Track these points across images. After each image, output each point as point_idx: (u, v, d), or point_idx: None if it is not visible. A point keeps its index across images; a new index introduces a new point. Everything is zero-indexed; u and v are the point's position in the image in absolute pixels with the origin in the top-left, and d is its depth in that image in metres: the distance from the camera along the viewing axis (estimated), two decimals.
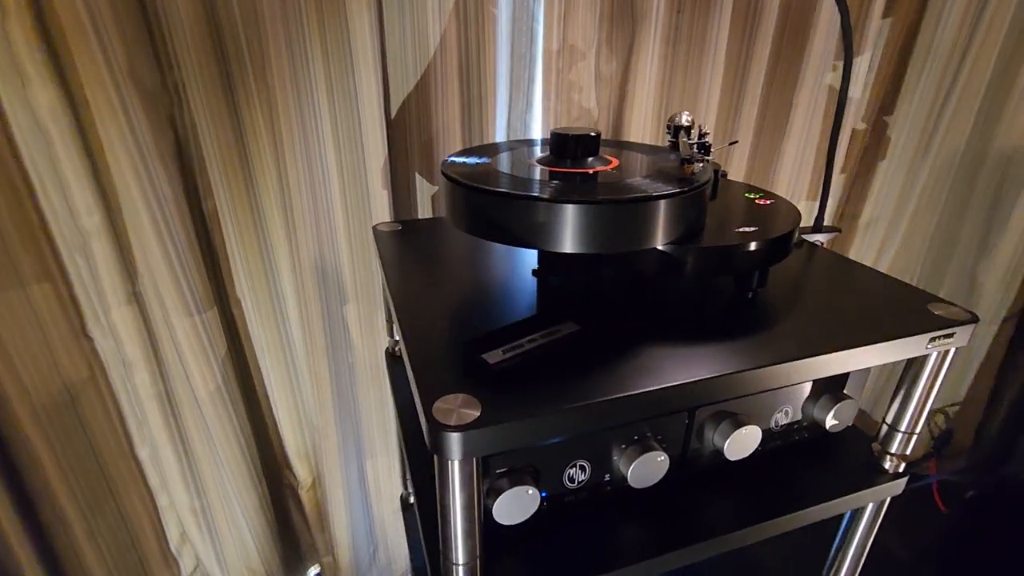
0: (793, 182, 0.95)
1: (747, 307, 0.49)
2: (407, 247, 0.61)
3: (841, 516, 0.59)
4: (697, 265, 0.45)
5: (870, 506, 0.56)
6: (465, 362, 0.39)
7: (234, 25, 0.62)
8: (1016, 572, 1.06)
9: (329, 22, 0.64)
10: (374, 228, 0.65)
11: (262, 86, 0.64)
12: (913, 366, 0.50)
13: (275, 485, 0.92)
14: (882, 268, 1.16)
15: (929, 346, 0.45)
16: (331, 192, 0.73)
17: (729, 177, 0.92)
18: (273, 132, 0.67)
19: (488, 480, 0.43)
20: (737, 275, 0.50)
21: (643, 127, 0.82)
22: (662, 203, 0.41)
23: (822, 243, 0.64)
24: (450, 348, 0.41)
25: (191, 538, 0.86)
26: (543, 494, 0.46)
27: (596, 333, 0.44)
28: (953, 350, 0.48)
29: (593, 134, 0.48)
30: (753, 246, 0.45)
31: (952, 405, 1.34)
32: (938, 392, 0.51)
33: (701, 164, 0.44)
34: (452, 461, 0.34)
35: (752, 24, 0.82)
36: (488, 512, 0.42)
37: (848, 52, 0.56)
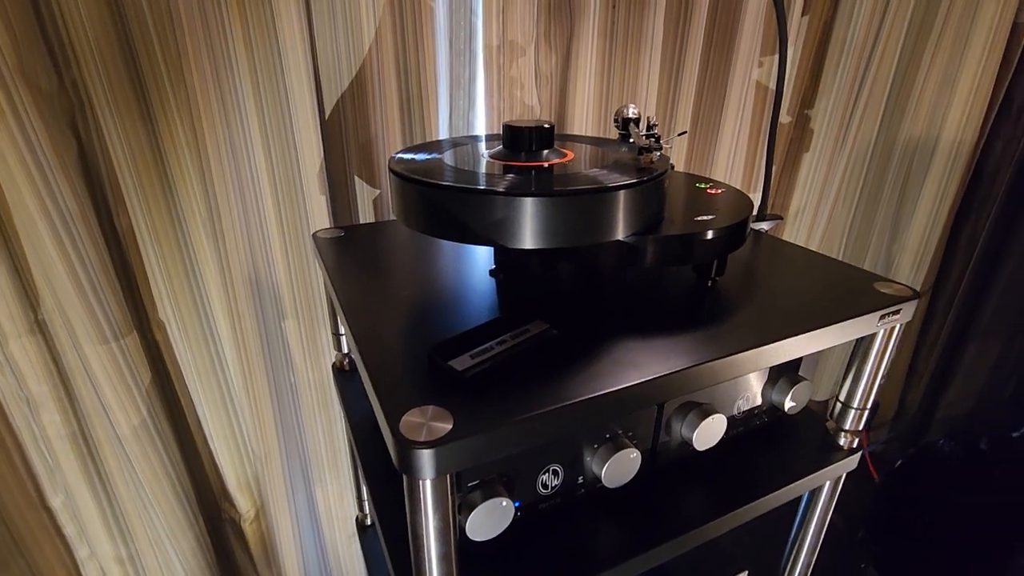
0: (729, 173, 0.98)
1: (708, 296, 0.49)
2: (352, 254, 0.57)
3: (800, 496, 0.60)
4: (660, 255, 0.45)
5: (827, 483, 0.58)
6: (431, 371, 0.36)
7: (143, 18, 0.56)
8: (940, 533, 1.14)
9: (253, 14, 0.59)
10: (314, 236, 0.60)
11: (179, 87, 0.58)
12: (863, 344, 0.51)
13: (214, 521, 0.85)
14: None
15: (879, 323, 0.46)
16: (263, 200, 0.68)
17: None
18: (195, 138, 0.61)
19: (460, 495, 0.40)
20: (698, 264, 0.50)
21: (585, 122, 0.82)
22: (626, 193, 0.39)
23: (766, 230, 0.66)
24: (411, 357, 0.38)
25: None
26: (516, 504, 0.44)
27: (565, 330, 0.42)
28: (899, 326, 0.50)
29: (547, 126, 0.46)
30: (713, 234, 0.45)
31: None
32: (886, 367, 0.53)
33: (659, 153, 0.44)
34: (424, 481, 0.31)
35: (685, 19, 0.83)
36: (461, 529, 0.39)
37: (783, 46, 0.57)
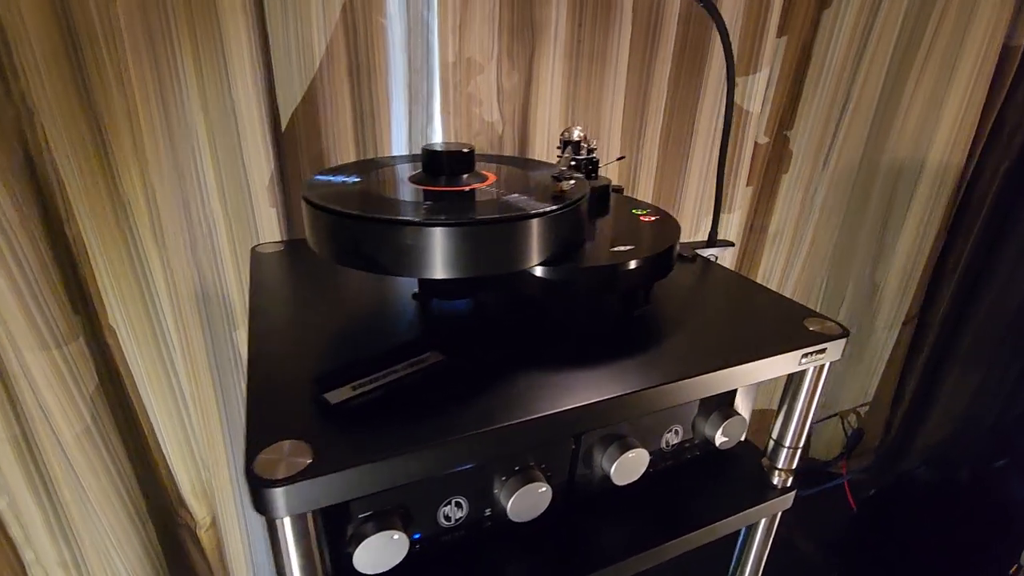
0: (701, 196, 0.97)
1: (632, 327, 0.48)
2: (287, 269, 0.57)
3: (737, 532, 0.59)
4: (573, 286, 0.44)
5: (763, 521, 0.56)
6: (313, 402, 0.35)
7: (92, 31, 0.56)
8: (916, 564, 1.11)
9: (201, 31, 0.60)
10: (253, 249, 0.60)
11: (122, 100, 0.59)
12: (793, 381, 0.50)
13: (169, 527, 0.85)
14: (791, 278, 1.20)
15: (803, 362, 0.45)
16: (212, 212, 0.68)
17: (638, 191, 0.93)
18: (143, 150, 0.61)
19: (352, 525, 0.39)
20: (619, 294, 0.49)
21: (548, 140, 0.81)
22: (524, 224, 0.39)
23: (715, 257, 0.65)
24: (297, 386, 0.37)
25: None
26: (416, 536, 0.43)
27: (467, 362, 0.41)
28: (828, 364, 0.48)
29: (466, 150, 0.46)
30: (630, 264, 0.44)
31: (863, 405, 1.40)
32: (817, 405, 0.51)
33: (573, 181, 0.43)
34: (280, 520, 0.31)
35: (653, 37, 0.82)
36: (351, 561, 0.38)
37: (730, 70, 0.56)
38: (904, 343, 1.28)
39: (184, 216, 0.65)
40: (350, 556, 0.38)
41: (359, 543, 0.38)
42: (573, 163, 0.57)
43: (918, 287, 1.23)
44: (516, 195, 0.43)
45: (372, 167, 0.48)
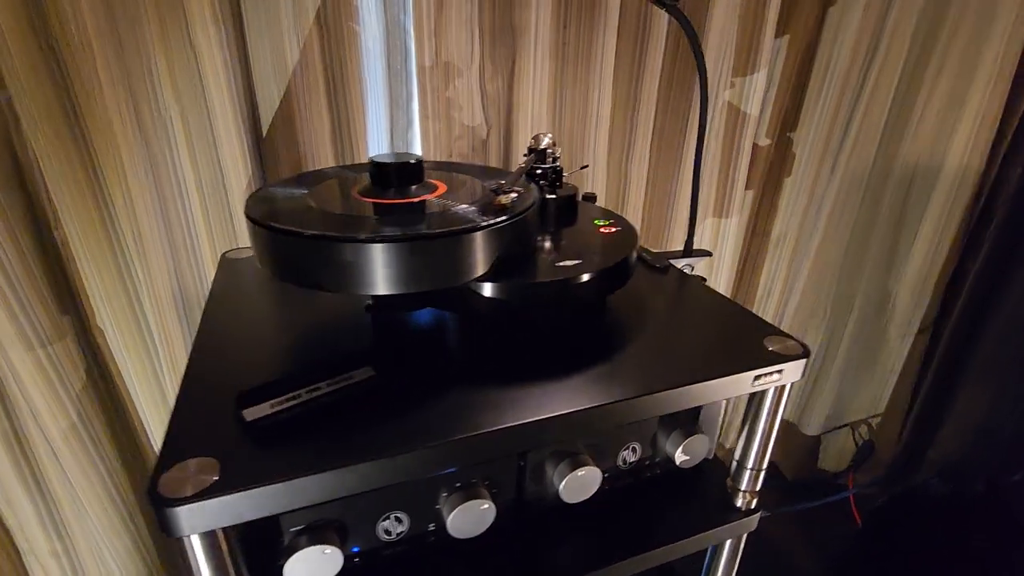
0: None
1: (582, 342, 0.47)
2: (250, 278, 0.57)
3: (704, 553, 0.57)
4: (514, 302, 0.43)
5: (728, 542, 0.55)
6: (233, 420, 0.35)
7: (70, 39, 0.58)
8: None
9: (173, 37, 0.60)
10: (223, 255, 0.61)
11: (100, 108, 0.60)
12: (754, 401, 0.48)
13: None
14: (797, 284, 1.16)
15: (755, 384, 0.43)
16: (193, 217, 0.69)
17: (629, 196, 0.91)
18: (114, 156, 0.62)
19: (284, 539, 0.39)
20: (565, 310, 0.48)
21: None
22: (453, 239, 0.38)
23: (692, 267, 0.63)
24: (222, 403, 0.37)
25: None
26: (355, 549, 0.43)
27: (403, 378, 0.41)
28: (789, 385, 0.46)
29: (413, 161, 0.45)
30: (575, 280, 0.43)
31: (875, 416, 1.35)
32: (779, 426, 0.49)
33: (513, 194, 0.42)
34: (187, 538, 0.31)
35: (642, 39, 0.80)
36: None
37: (702, 76, 0.54)
38: (918, 353, 1.23)
39: (162, 221, 0.66)
40: (281, 569, 0.38)
41: (290, 556, 0.38)
42: (539, 171, 0.56)
43: (933, 296, 1.17)
44: (462, 207, 0.43)
45: (322, 178, 0.48)
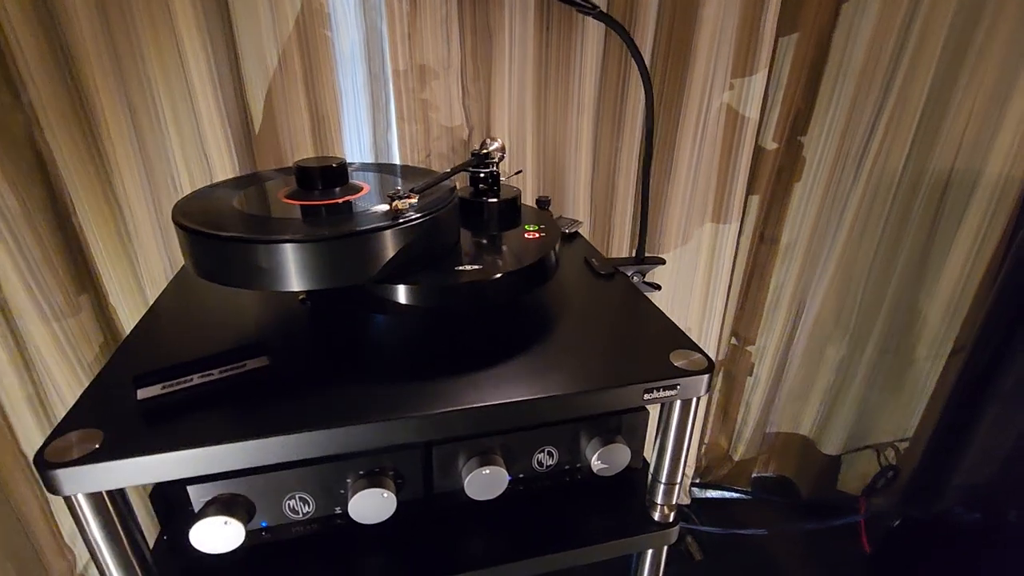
0: (688, 202, 0.92)
1: (490, 344, 0.48)
2: None
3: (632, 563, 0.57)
4: (415, 303, 0.45)
5: (649, 553, 0.54)
6: (128, 398, 0.39)
7: (70, 46, 0.65)
8: None
9: (164, 42, 0.66)
10: None
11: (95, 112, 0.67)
12: (663, 415, 0.47)
13: None
14: (817, 296, 1.10)
15: (647, 397, 0.43)
16: None
17: (617, 197, 0.90)
18: (100, 154, 0.69)
19: (192, 508, 0.44)
20: (468, 312, 0.49)
21: (515, 145, 0.81)
22: (336, 243, 0.40)
23: (642, 275, 0.62)
24: (125, 382, 0.41)
25: None
26: (263, 524, 0.47)
27: (298, 368, 0.44)
28: (695, 400, 0.45)
29: (335, 165, 0.48)
30: (471, 284, 0.44)
31: (902, 441, 1.26)
32: (690, 440, 0.48)
33: (411, 200, 0.43)
34: (74, 497, 0.35)
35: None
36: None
37: (648, 94, 0.53)
38: (950, 376, 1.13)
39: (155, 216, 0.73)
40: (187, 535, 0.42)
41: (195, 523, 0.42)
42: (483, 175, 0.57)
43: (968, 315, 1.08)
44: (367, 210, 0.45)
45: (255, 181, 0.52)
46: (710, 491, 1.33)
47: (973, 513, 1.07)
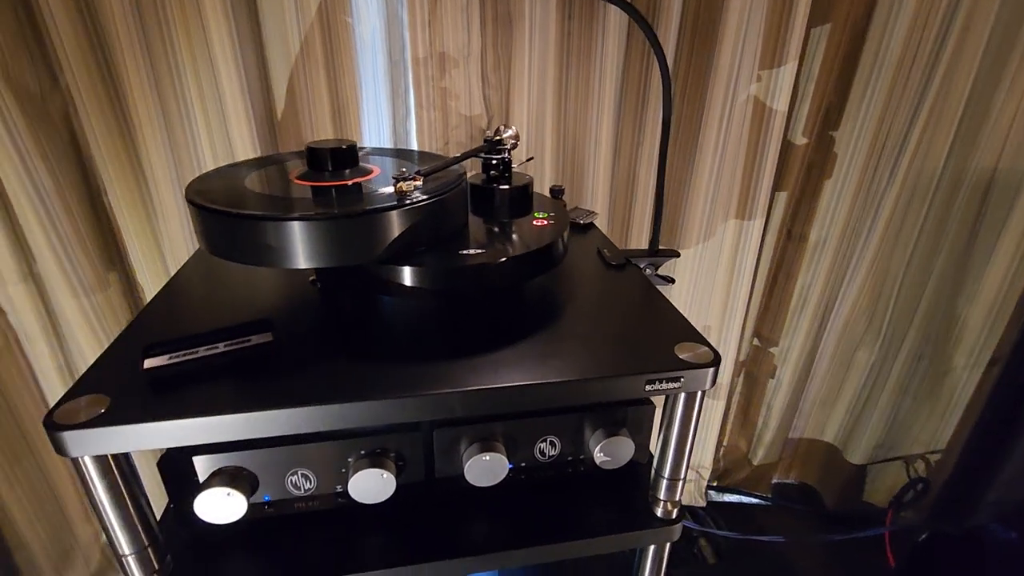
0: (714, 198, 0.89)
1: (494, 330, 0.48)
2: None
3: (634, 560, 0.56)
4: (420, 285, 0.45)
5: (651, 549, 0.53)
6: (136, 367, 0.40)
7: (114, 36, 0.67)
8: None
9: (193, 29, 0.68)
10: None
11: (125, 97, 0.69)
12: (666, 409, 0.46)
13: None
14: (847, 297, 1.06)
15: (648, 388, 0.42)
16: None
17: (638, 188, 0.88)
18: (131, 139, 0.72)
19: (200, 478, 0.45)
20: (472, 296, 0.49)
21: (533, 134, 0.80)
22: (341, 223, 0.40)
23: (655, 268, 0.61)
24: (136, 353, 0.42)
25: None
26: (266, 498, 0.48)
27: (303, 345, 0.45)
28: (700, 394, 0.44)
29: (345, 147, 0.48)
30: (475, 268, 0.44)
31: (933, 453, 1.21)
32: (693, 436, 0.47)
33: (416, 182, 0.43)
34: (81, 459, 0.36)
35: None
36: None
37: (665, 81, 0.52)
38: (988, 386, 1.08)
39: (181, 196, 0.75)
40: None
41: (199, 493, 0.43)
42: (495, 162, 0.57)
43: (1011, 322, 1.02)
44: (376, 191, 0.45)
45: (270, 163, 0.52)
46: (728, 495, 1.30)
47: (1009, 531, 1.02)
